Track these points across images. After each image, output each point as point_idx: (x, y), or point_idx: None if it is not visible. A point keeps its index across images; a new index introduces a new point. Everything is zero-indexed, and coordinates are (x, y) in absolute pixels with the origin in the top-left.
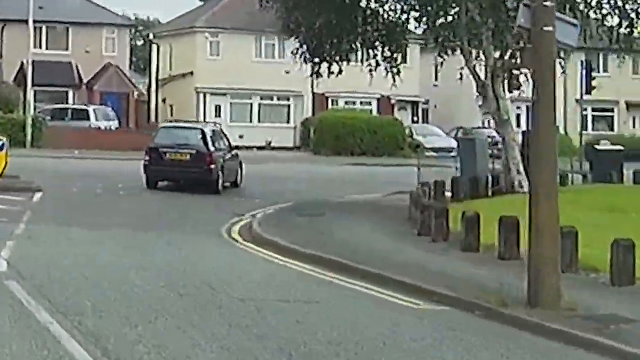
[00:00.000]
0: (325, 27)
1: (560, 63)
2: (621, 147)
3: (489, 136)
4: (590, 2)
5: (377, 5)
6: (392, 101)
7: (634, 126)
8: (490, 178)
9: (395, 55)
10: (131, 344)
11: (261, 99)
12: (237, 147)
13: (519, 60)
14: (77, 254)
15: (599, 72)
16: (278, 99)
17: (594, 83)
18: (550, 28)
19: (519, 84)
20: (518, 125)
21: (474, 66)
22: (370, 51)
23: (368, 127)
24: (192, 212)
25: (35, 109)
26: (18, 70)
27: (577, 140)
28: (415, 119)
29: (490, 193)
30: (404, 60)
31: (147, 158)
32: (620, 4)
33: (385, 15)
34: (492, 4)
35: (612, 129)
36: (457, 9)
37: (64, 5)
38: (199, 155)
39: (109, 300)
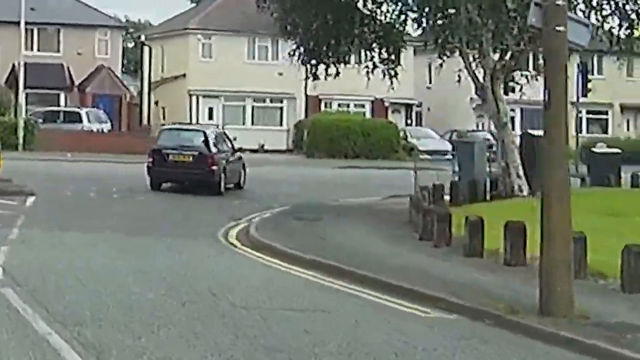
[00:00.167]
0: (323, 28)
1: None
2: (619, 150)
3: (484, 139)
4: (591, 2)
5: (374, 6)
6: (386, 104)
7: (628, 129)
8: (488, 182)
9: (392, 57)
10: (135, 355)
11: (254, 101)
12: None
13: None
14: (73, 259)
15: (593, 74)
16: (271, 101)
17: (589, 85)
18: (562, 28)
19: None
20: (513, 128)
21: (473, 68)
22: (368, 53)
23: (362, 130)
24: (186, 215)
25: (26, 111)
26: (10, 72)
27: (571, 143)
28: (409, 121)
29: (489, 197)
30: (399, 62)
31: (150, 160)
32: (620, 5)
33: (383, 17)
34: (492, 4)
35: (606, 132)
36: (455, 9)
37: (56, 6)
38: (201, 157)
39: (108, 309)
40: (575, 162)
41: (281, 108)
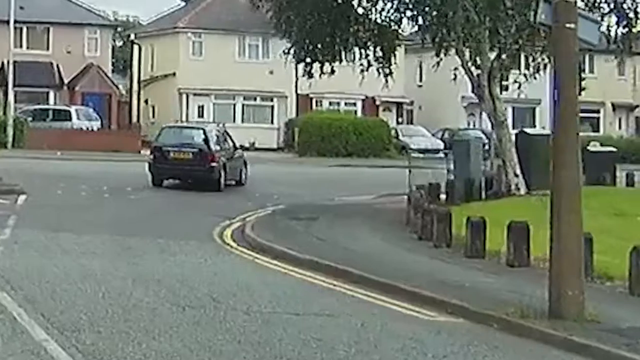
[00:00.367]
0: (317, 26)
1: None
2: (614, 149)
3: (477, 137)
4: (589, 0)
5: (369, 4)
6: (377, 102)
7: (619, 127)
8: (484, 180)
9: (387, 55)
10: None
11: (244, 99)
12: None
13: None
14: (68, 262)
15: (585, 73)
16: (262, 99)
17: (582, 84)
18: (573, 25)
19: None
20: None
21: (470, 66)
22: (362, 51)
23: (354, 129)
24: (180, 214)
25: (15, 110)
26: None
27: None
28: (400, 120)
29: (485, 196)
30: (394, 61)
31: (151, 157)
32: (618, 3)
33: (378, 15)
34: (490, 2)
35: (597, 130)
36: (452, 7)
37: (45, 5)
38: (201, 154)
39: (105, 314)
40: None
41: (272, 106)
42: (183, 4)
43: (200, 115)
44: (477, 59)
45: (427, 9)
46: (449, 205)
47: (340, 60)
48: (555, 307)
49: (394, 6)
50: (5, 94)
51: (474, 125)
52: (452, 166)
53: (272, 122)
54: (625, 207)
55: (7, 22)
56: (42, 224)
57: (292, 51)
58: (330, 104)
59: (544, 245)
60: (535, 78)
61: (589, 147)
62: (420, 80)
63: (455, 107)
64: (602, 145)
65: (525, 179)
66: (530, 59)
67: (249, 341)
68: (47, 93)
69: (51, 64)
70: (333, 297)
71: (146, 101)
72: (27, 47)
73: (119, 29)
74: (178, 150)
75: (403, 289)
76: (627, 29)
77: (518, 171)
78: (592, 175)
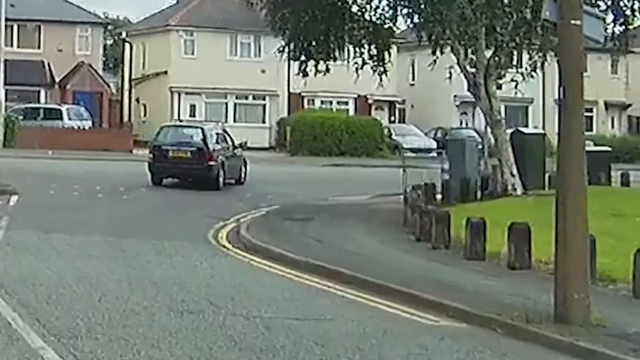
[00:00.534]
0: (312, 24)
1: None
2: (609, 148)
3: (469, 136)
4: None
5: (363, 2)
6: (369, 101)
7: (612, 126)
8: (479, 180)
9: (382, 54)
10: None
11: (236, 98)
12: None
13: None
14: (63, 264)
15: None
16: (253, 98)
17: None
18: (578, 22)
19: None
20: None
21: (465, 64)
22: (357, 50)
23: (347, 128)
24: (173, 215)
25: (6, 108)
26: None
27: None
28: (392, 118)
29: (480, 196)
30: (389, 59)
31: (151, 156)
32: (615, 1)
33: (373, 13)
34: None
35: (590, 129)
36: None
37: (36, 3)
38: (199, 153)
39: (103, 319)
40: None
41: (263, 105)
42: (174, 2)
43: (192, 114)
44: (474, 57)
45: (422, 5)
46: (444, 206)
47: (335, 59)
48: (561, 311)
49: (389, 3)
50: None
51: (467, 124)
52: (446, 166)
53: (263, 121)
54: (623, 208)
55: None
56: (35, 225)
57: (287, 49)
58: (322, 102)
59: (544, 247)
60: (532, 77)
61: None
62: (413, 78)
63: (448, 106)
64: (595, 144)
65: (522, 179)
66: (527, 57)
67: (250, 348)
68: (38, 92)
69: (42, 62)
70: (333, 300)
71: (137, 100)
72: (18, 46)
73: (109, 28)
74: (177, 149)
75: (404, 292)
76: (624, 27)
77: (514, 171)
78: (587, 175)
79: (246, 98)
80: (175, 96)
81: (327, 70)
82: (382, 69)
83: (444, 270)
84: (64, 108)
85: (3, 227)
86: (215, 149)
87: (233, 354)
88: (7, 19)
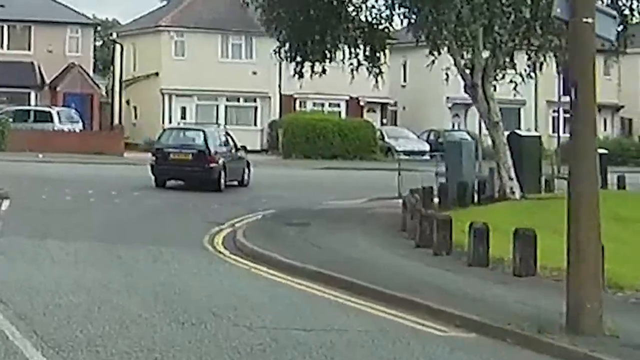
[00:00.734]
0: (307, 24)
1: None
2: (605, 151)
3: (463, 139)
4: None
5: (359, 1)
6: (362, 103)
7: (605, 128)
8: (476, 184)
9: (377, 55)
10: None
11: (228, 100)
12: None
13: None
14: (59, 272)
15: None
16: (245, 100)
17: None
18: (590, 20)
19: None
20: None
21: (462, 65)
22: (352, 51)
23: (339, 130)
24: (168, 220)
25: None
26: None
27: (547, 143)
28: (384, 121)
29: (478, 200)
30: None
31: (153, 158)
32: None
33: (368, 13)
34: None
35: None
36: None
37: (26, 4)
38: (200, 155)
39: (103, 331)
40: (557, 162)
41: (255, 107)
42: (164, 3)
43: (183, 117)
44: (472, 57)
45: (419, 5)
46: (442, 210)
47: (331, 60)
48: (573, 321)
49: (386, 3)
50: None
51: (459, 127)
52: (442, 169)
53: (255, 124)
54: (623, 212)
55: None
56: (28, 230)
57: (282, 50)
58: (314, 104)
59: (548, 252)
60: (531, 78)
61: None
62: (404, 80)
63: (440, 108)
64: None
65: (519, 182)
66: (526, 58)
67: None
68: (29, 94)
69: (32, 63)
70: (337, 309)
71: (127, 102)
72: (8, 47)
73: (99, 29)
74: (179, 152)
75: (409, 300)
76: (622, 26)
77: (513, 174)
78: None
79: (237, 100)
80: (166, 98)
81: (324, 71)
82: (377, 70)
83: (448, 277)
84: (54, 111)
85: None
86: (217, 152)
87: None
88: None
